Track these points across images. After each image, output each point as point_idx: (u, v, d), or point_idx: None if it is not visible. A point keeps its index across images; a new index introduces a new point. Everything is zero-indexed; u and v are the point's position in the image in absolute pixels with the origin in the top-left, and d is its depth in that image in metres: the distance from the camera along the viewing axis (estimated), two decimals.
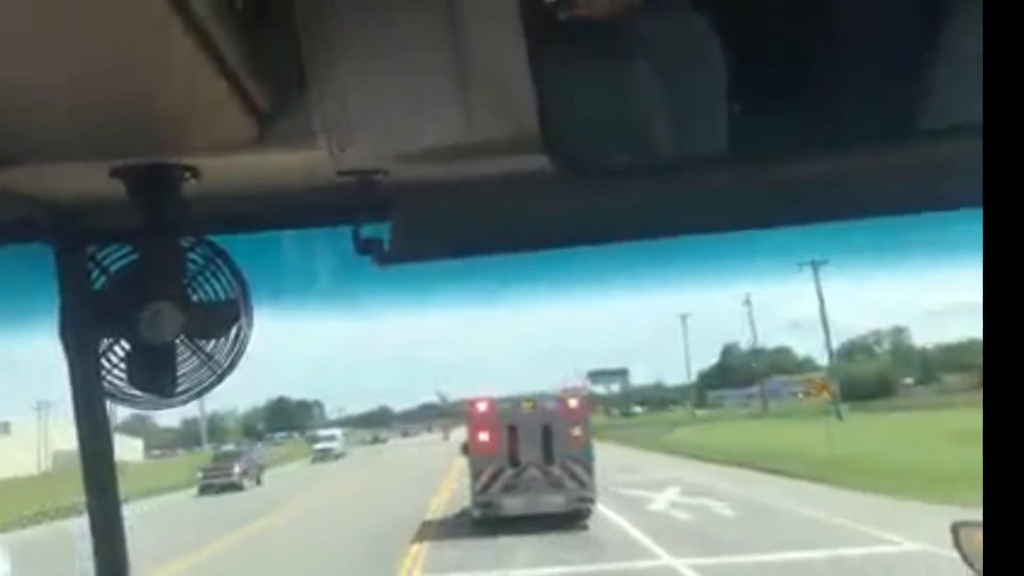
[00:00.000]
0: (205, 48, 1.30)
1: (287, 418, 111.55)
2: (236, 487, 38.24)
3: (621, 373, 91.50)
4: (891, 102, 1.34)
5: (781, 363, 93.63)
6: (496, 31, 1.50)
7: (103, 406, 1.97)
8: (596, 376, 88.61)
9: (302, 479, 43.98)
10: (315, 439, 63.89)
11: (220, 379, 1.93)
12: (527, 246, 1.94)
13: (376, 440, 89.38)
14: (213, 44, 1.31)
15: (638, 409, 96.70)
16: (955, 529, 2.44)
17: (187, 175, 1.77)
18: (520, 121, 1.47)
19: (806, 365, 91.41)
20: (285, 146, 1.64)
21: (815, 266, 53.31)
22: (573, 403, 21.03)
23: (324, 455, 58.34)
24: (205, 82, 1.38)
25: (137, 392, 1.91)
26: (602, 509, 20.95)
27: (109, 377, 1.91)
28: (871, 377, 68.19)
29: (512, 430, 20.20)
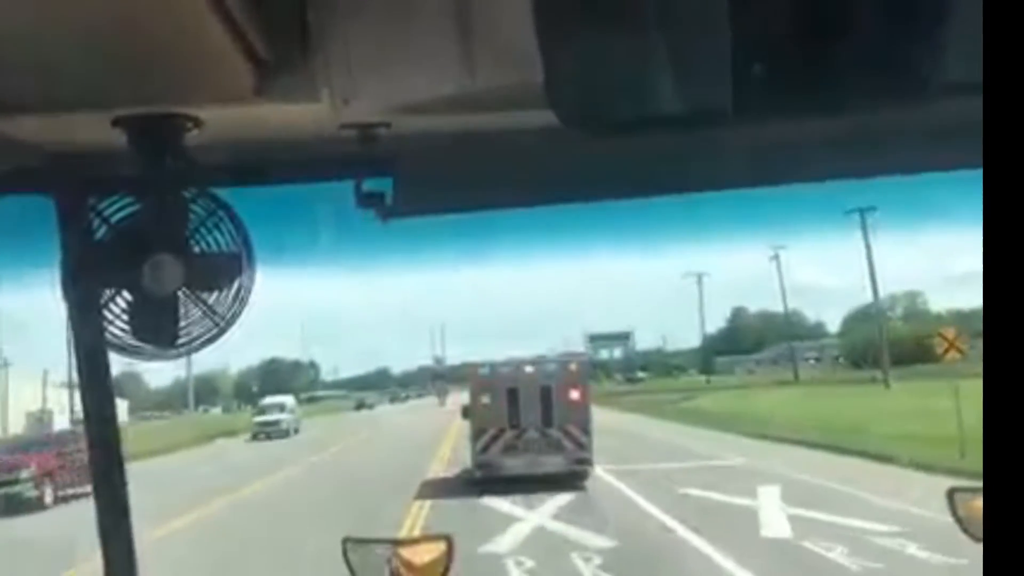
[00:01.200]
0: None
1: (281, 380, 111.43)
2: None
3: (624, 337, 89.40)
4: (899, 60, 1.33)
5: (792, 329, 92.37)
6: None
7: (105, 357, 1.98)
8: (597, 340, 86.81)
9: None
10: (261, 410, 48.03)
11: (222, 332, 1.93)
12: (530, 201, 1.93)
13: (361, 406, 78.07)
14: None
15: (642, 374, 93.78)
16: (951, 495, 2.45)
17: (189, 125, 1.76)
18: (524, 74, 1.46)
19: (817, 330, 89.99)
20: (288, 98, 1.63)
21: (863, 215, 47.93)
22: (572, 367, 21.81)
23: (268, 430, 43.02)
24: (208, 32, 1.37)
25: (139, 343, 1.91)
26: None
27: (111, 328, 1.91)
28: (908, 341, 57.39)
29: (512, 393, 20.85)
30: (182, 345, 1.92)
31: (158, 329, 1.90)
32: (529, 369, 21.52)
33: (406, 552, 2.42)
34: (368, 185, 1.88)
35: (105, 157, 1.85)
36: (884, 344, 52.55)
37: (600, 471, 21.28)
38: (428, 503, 19.27)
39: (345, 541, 2.45)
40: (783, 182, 1.90)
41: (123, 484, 2.10)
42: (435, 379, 79.94)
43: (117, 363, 2.03)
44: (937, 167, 1.80)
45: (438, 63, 1.55)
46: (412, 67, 1.56)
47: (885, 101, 1.37)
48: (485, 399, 21.09)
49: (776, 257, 64.16)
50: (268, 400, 50.81)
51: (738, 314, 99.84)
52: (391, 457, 28.63)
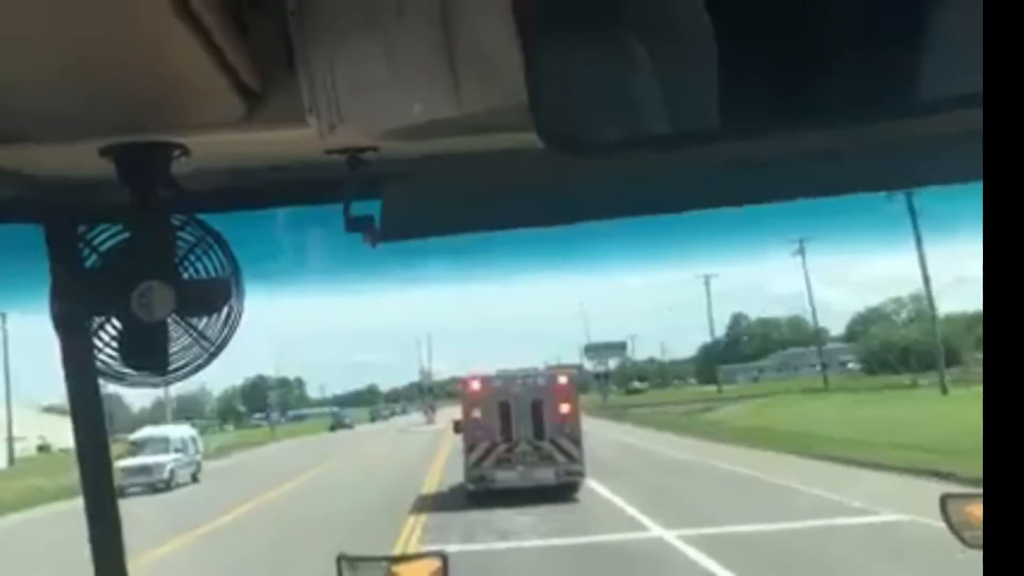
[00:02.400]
0: (194, 28, 1.30)
1: (266, 398, 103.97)
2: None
3: (619, 347, 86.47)
4: (889, 76, 1.34)
5: (793, 335, 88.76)
6: (485, 6, 1.49)
7: (95, 384, 1.98)
8: (593, 351, 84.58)
9: None
10: (132, 447, 31.11)
11: (212, 357, 1.93)
12: (519, 222, 1.94)
13: (338, 425, 72.88)
14: (203, 24, 1.31)
15: (639, 384, 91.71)
16: (943, 501, 2.46)
17: (177, 153, 1.77)
18: (509, 97, 1.47)
19: (821, 335, 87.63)
20: (274, 124, 1.64)
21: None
22: (562, 380, 22.34)
23: (136, 482, 27.41)
24: (194, 61, 1.38)
25: (129, 370, 1.91)
26: None
27: (101, 356, 1.91)
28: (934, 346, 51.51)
29: (504, 406, 21.35)
30: (173, 371, 1.92)
31: (148, 356, 1.90)
32: (520, 383, 21.96)
33: (401, 569, 2.42)
34: (356, 209, 1.89)
35: (94, 186, 1.86)
36: (939, 345, 47.46)
37: (676, 542, 14.46)
38: None
39: (340, 559, 2.45)
40: (776, 199, 1.91)
41: (115, 507, 2.10)
42: (421, 393, 73.73)
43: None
44: (936, 180, 1.81)
45: (424, 87, 1.56)
46: (398, 91, 1.57)
47: (880, 115, 1.38)
48: (477, 413, 21.51)
49: (800, 250, 61.63)
50: (144, 433, 33.24)
51: (737, 321, 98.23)
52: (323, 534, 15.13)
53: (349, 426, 71.49)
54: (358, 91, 1.57)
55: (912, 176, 1.82)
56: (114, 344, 1.90)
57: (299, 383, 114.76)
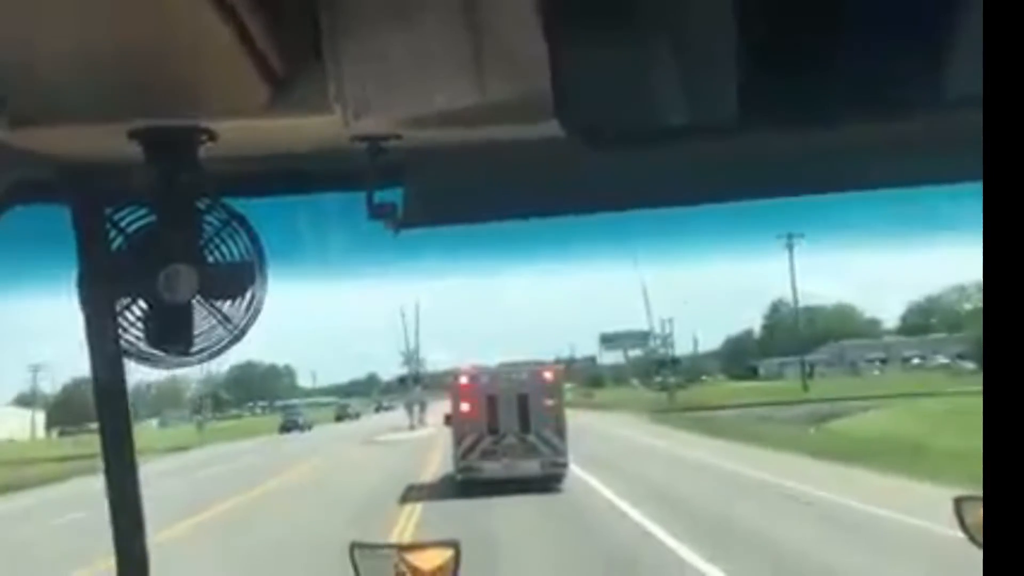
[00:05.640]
0: (223, 13, 1.32)
1: (253, 386, 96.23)
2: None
3: (641, 337, 77.73)
4: (905, 72, 1.35)
5: (841, 326, 76.90)
6: None
7: (120, 365, 2.01)
8: (610, 340, 79.02)
9: None
10: None
11: (236, 340, 1.96)
12: (540, 211, 1.96)
13: (291, 426, 57.27)
14: (231, 9, 1.33)
15: (662, 379, 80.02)
16: (958, 503, 2.45)
17: (204, 138, 1.79)
18: (533, 86, 1.49)
19: (873, 327, 79.44)
20: (300, 111, 1.66)
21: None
22: (547, 375, 23.33)
23: None
24: (222, 47, 1.40)
25: (154, 351, 1.94)
26: None
27: (127, 336, 1.95)
28: None
29: (491, 400, 22.36)
30: (196, 353, 1.95)
31: (173, 337, 1.93)
32: (506, 377, 22.91)
33: (413, 557, 2.44)
34: (379, 196, 1.91)
35: (121, 168, 1.89)
36: None
37: None
38: None
39: (352, 546, 2.48)
40: (790, 193, 1.92)
41: (137, 490, 2.13)
42: (402, 385, 55.10)
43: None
44: (940, 179, 1.82)
45: (448, 76, 1.58)
46: (422, 80, 1.59)
47: (890, 112, 1.39)
48: (465, 407, 22.49)
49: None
50: None
51: (777, 309, 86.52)
52: None
53: (303, 427, 57.33)
54: (383, 79, 1.59)
55: (921, 174, 1.83)
56: (139, 325, 1.93)
57: (288, 370, 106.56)
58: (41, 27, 1.32)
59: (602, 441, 33.15)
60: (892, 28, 1.32)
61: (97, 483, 2.18)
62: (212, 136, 1.79)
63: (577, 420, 35.97)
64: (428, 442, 26.90)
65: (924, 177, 1.83)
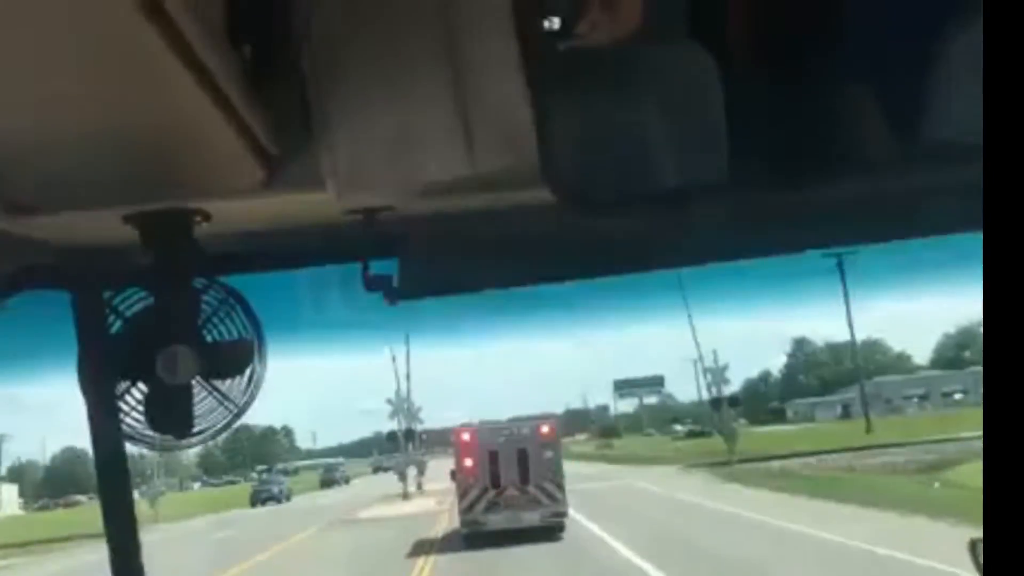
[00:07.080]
0: (215, 97, 1.34)
1: (249, 450, 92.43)
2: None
3: (656, 382, 76.00)
4: (895, 125, 1.36)
5: (870, 363, 71.34)
6: (497, 66, 1.53)
7: (121, 448, 2.01)
8: (623, 387, 76.64)
9: None
10: None
11: (236, 418, 1.96)
12: (533, 279, 1.96)
13: (264, 496, 50.74)
14: (223, 94, 1.35)
15: (679, 427, 76.81)
16: (973, 545, 2.43)
17: (199, 219, 1.81)
18: (521, 154, 1.50)
19: (904, 362, 76.34)
20: (293, 188, 1.68)
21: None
22: (544, 429, 24.17)
23: None
24: (215, 129, 1.42)
25: (155, 433, 1.93)
26: None
27: (127, 420, 1.94)
28: None
29: (492, 455, 23.23)
30: (197, 434, 1.95)
31: (174, 419, 1.92)
32: (506, 432, 23.84)
33: None
34: (375, 268, 1.92)
35: (117, 252, 1.90)
36: None
37: None
38: None
39: None
40: (785, 252, 1.92)
41: (140, 570, 2.11)
42: (391, 442, 44.20)
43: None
44: (937, 231, 1.81)
45: (438, 147, 1.59)
46: (413, 152, 1.61)
47: (884, 166, 1.40)
48: (468, 462, 23.40)
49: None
50: None
51: (800, 347, 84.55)
52: None
53: (279, 498, 50.58)
54: (374, 153, 1.60)
55: (915, 227, 1.83)
56: (140, 408, 1.92)
57: (286, 431, 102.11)
58: (34, 119, 1.34)
59: (689, 521, 24.27)
60: (881, 84, 1.33)
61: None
62: (207, 216, 1.81)
63: (613, 483, 35.31)
64: (428, 522, 22.78)
65: (921, 230, 1.82)
